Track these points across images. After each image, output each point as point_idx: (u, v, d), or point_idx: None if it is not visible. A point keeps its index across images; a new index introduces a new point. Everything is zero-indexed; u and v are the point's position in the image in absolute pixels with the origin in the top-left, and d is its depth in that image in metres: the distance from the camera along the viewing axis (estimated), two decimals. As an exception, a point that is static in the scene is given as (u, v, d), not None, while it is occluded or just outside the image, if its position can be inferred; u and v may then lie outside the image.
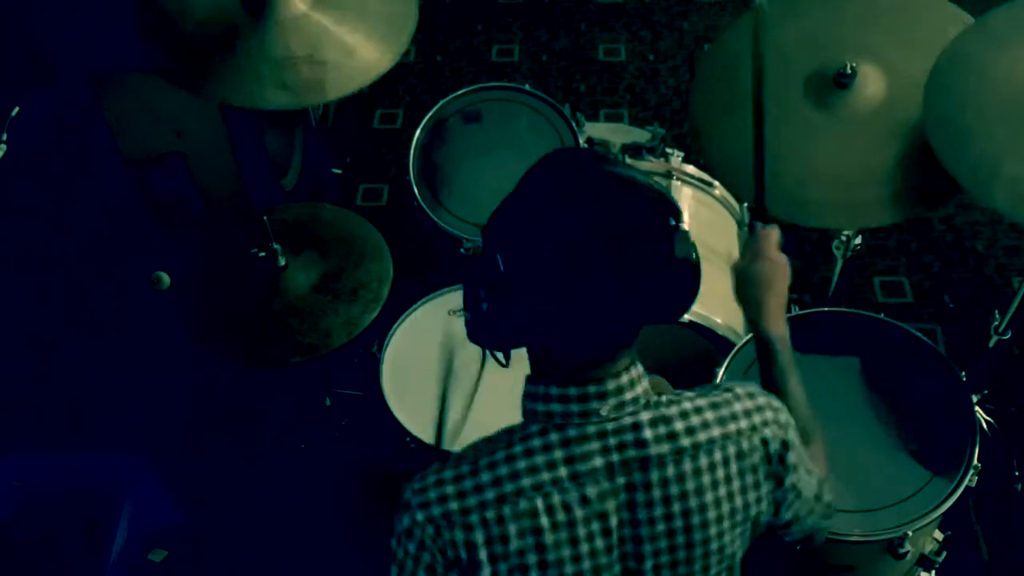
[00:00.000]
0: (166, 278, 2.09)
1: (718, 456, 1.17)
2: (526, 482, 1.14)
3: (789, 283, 1.52)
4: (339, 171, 3.49)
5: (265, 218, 2.18)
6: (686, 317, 2.26)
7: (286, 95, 2.10)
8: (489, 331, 1.16)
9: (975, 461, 1.86)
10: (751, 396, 1.22)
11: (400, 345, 2.27)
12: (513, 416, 1.22)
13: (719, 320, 2.33)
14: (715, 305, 2.37)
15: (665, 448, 1.15)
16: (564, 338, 1.13)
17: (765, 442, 1.20)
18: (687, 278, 1.14)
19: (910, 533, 1.82)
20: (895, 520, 1.82)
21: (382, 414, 2.14)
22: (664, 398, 1.19)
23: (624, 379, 1.15)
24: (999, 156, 1.78)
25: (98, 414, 2.71)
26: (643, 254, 1.09)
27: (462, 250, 2.48)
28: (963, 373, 2.00)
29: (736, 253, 2.58)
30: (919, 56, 1.96)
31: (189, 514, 2.54)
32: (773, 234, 1.54)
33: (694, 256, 1.13)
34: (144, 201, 3.04)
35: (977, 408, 2.01)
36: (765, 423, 1.20)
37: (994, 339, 2.39)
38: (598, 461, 1.15)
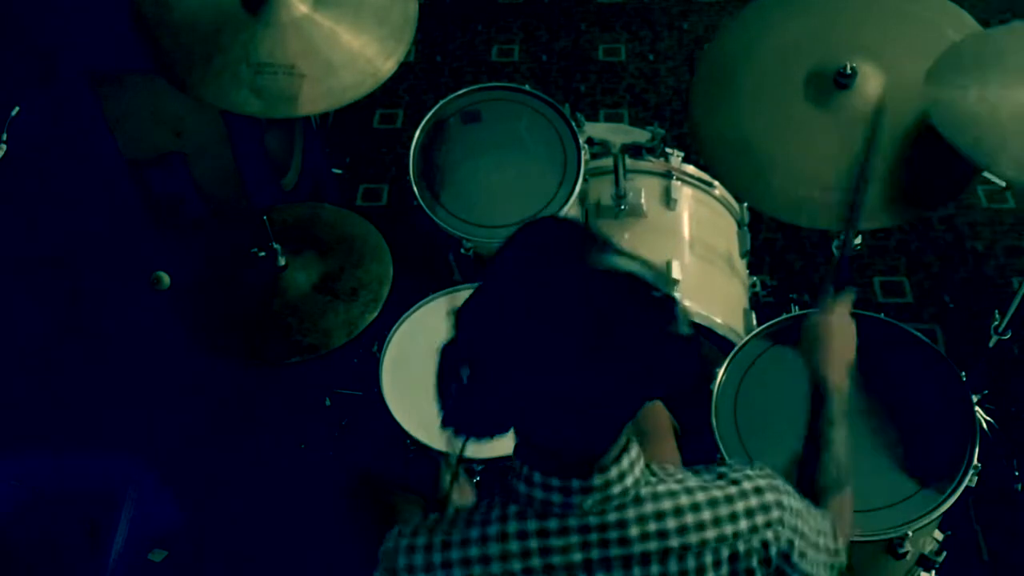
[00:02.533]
0: (166, 278, 2.08)
1: (709, 559, 1.10)
2: (495, 569, 1.09)
3: (855, 348, 1.53)
4: (339, 171, 3.49)
5: (265, 218, 2.18)
6: (686, 317, 2.26)
7: (258, 102, 2.05)
8: (466, 417, 1.11)
9: (975, 461, 1.86)
10: (759, 493, 1.14)
11: (400, 345, 2.26)
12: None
13: (719, 320, 2.33)
14: (715, 305, 2.37)
15: (652, 546, 1.09)
16: (544, 435, 1.08)
17: (765, 544, 1.13)
18: (684, 353, 1.05)
19: (910, 533, 1.82)
20: (895, 520, 1.82)
21: (382, 414, 2.14)
22: (661, 487, 1.12)
23: (613, 473, 1.09)
24: (1003, 125, 1.77)
25: (98, 414, 2.71)
26: (628, 339, 1.00)
27: (462, 250, 2.48)
28: (963, 373, 1.99)
29: (736, 253, 2.59)
30: (919, 56, 1.96)
31: (189, 514, 2.54)
32: (850, 300, 1.57)
33: (688, 329, 1.05)
34: (144, 201, 3.04)
35: (977, 408, 2.01)
36: (768, 524, 1.13)
37: (994, 339, 2.39)
38: (576, 556, 1.09)
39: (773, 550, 1.13)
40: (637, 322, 1.01)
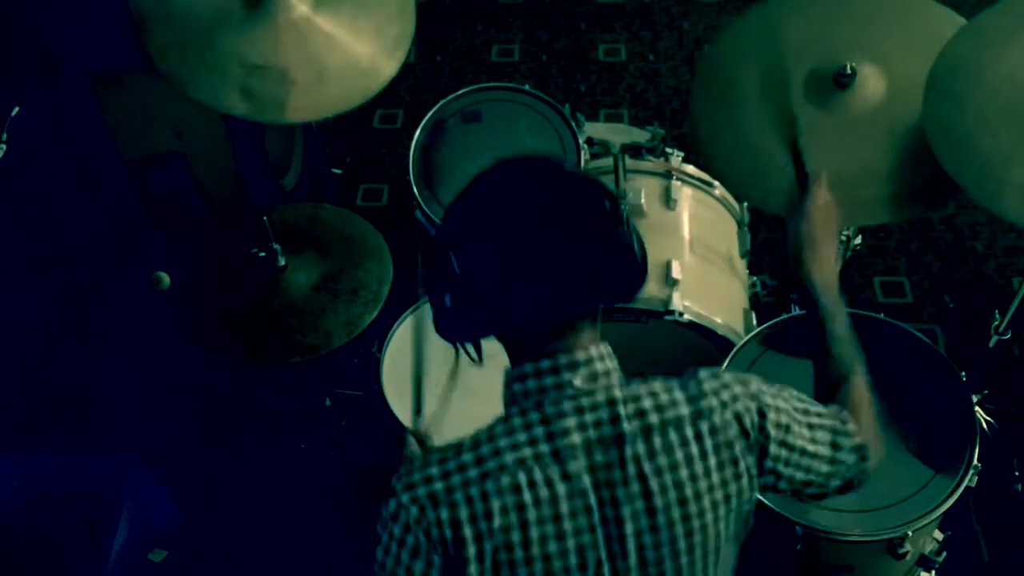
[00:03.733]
0: (166, 278, 2.08)
1: (689, 432, 1.18)
2: (508, 458, 1.15)
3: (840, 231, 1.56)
4: (339, 171, 3.49)
5: (265, 218, 2.18)
6: (686, 317, 2.26)
7: (245, 104, 2.03)
8: (454, 325, 1.20)
9: (975, 461, 1.86)
10: (716, 376, 1.24)
11: (400, 345, 2.26)
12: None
13: (719, 320, 2.33)
14: (715, 305, 2.37)
15: (635, 425, 1.17)
16: (523, 315, 1.17)
17: (738, 416, 1.21)
18: (629, 257, 1.20)
19: (910, 533, 1.82)
20: (895, 520, 1.82)
21: (382, 414, 2.14)
22: (635, 380, 1.22)
23: (593, 351, 1.19)
24: (1006, 162, 1.77)
25: (98, 414, 2.71)
26: (585, 231, 1.16)
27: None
28: (963, 373, 1.99)
29: (736, 253, 2.59)
30: (919, 56, 1.96)
31: (189, 514, 2.54)
32: (822, 186, 1.58)
33: (636, 244, 1.20)
34: (144, 201, 3.04)
35: (977, 408, 2.01)
36: (735, 398, 1.21)
37: (994, 339, 2.39)
38: (576, 438, 1.17)
39: (747, 421, 1.21)
40: (588, 219, 1.17)
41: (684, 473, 1.17)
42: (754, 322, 2.44)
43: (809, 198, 1.55)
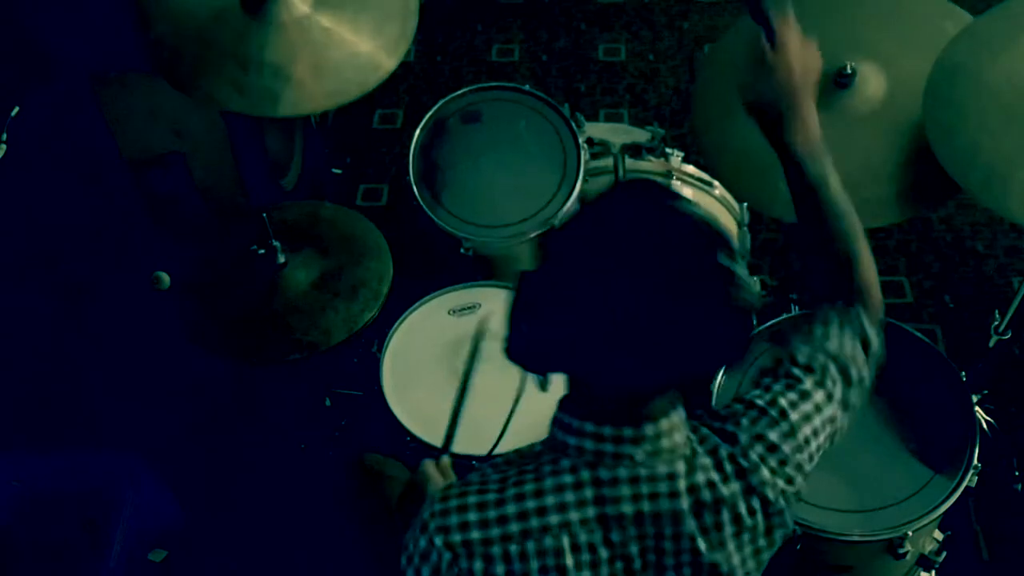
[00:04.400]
0: (166, 278, 2.08)
1: (743, 509, 1.14)
2: (554, 519, 1.10)
3: (817, 72, 1.33)
4: (339, 171, 3.49)
5: (265, 215, 2.18)
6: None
7: (239, 99, 2.05)
8: (526, 351, 1.11)
9: (975, 461, 1.86)
10: (761, 439, 1.17)
11: (400, 345, 2.27)
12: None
13: (719, 320, 2.33)
14: (715, 305, 2.37)
15: (688, 502, 1.12)
16: (601, 370, 1.08)
17: (790, 480, 1.17)
18: (738, 326, 1.08)
19: (910, 533, 1.82)
20: (895, 520, 1.82)
21: (382, 414, 2.14)
22: (701, 447, 1.15)
23: (664, 425, 1.11)
24: (1010, 165, 1.77)
25: (98, 414, 2.71)
26: (694, 295, 1.03)
27: (462, 250, 2.48)
28: (963, 373, 1.99)
29: (736, 253, 2.58)
30: (919, 55, 1.96)
31: (189, 514, 2.54)
32: (787, 21, 1.31)
33: (745, 303, 1.06)
34: (144, 201, 3.04)
35: (977, 408, 2.01)
36: (784, 463, 1.17)
37: (994, 339, 2.39)
38: (627, 508, 1.11)
39: (798, 482, 1.17)
40: (709, 274, 1.03)
41: (732, 546, 1.14)
42: (754, 322, 2.44)
43: (780, 46, 1.30)
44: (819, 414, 1.20)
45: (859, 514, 1.84)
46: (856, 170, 2.01)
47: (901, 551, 1.84)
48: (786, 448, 1.17)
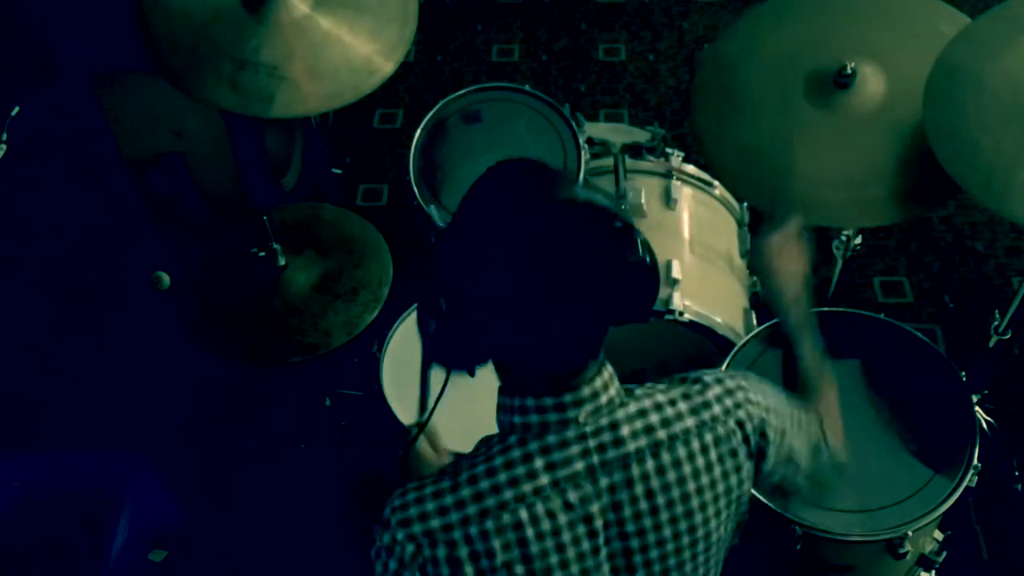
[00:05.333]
0: (166, 278, 2.09)
1: (696, 445, 1.17)
2: (508, 495, 1.13)
3: (806, 264, 1.53)
4: (339, 171, 3.49)
5: (265, 218, 2.18)
6: (686, 317, 2.26)
7: (233, 97, 2.05)
8: (442, 351, 1.17)
9: (975, 461, 1.86)
10: (719, 381, 1.22)
11: (400, 345, 2.26)
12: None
13: (719, 320, 2.33)
14: (715, 305, 2.37)
15: (643, 442, 1.16)
16: (524, 356, 1.13)
17: (741, 424, 1.20)
18: (644, 279, 1.13)
19: (910, 533, 1.82)
20: (895, 520, 1.82)
21: (382, 414, 2.14)
22: (637, 391, 1.20)
23: (598, 383, 1.15)
24: (1010, 165, 1.77)
25: (98, 414, 2.71)
26: (594, 267, 1.08)
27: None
28: (963, 373, 1.99)
29: (736, 253, 2.59)
30: (919, 55, 1.96)
31: (189, 514, 2.54)
32: (793, 225, 1.55)
33: (648, 259, 1.12)
34: (144, 201, 3.04)
35: (977, 408, 2.01)
36: (738, 405, 1.21)
37: (994, 339, 2.39)
38: (579, 465, 1.15)
39: (748, 427, 1.21)
40: (597, 250, 1.08)
41: (692, 486, 1.17)
42: (754, 322, 2.44)
43: (776, 232, 1.53)
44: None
45: (859, 514, 1.84)
46: (856, 170, 2.01)
47: (901, 551, 1.84)
48: (740, 395, 1.22)
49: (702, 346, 2.34)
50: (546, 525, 1.14)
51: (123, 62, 2.65)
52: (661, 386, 1.22)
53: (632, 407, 1.17)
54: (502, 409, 1.18)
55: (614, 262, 1.09)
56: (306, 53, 2.10)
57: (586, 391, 1.15)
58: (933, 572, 2.09)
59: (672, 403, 1.19)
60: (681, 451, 1.17)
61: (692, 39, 4.01)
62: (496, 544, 1.13)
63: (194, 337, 2.18)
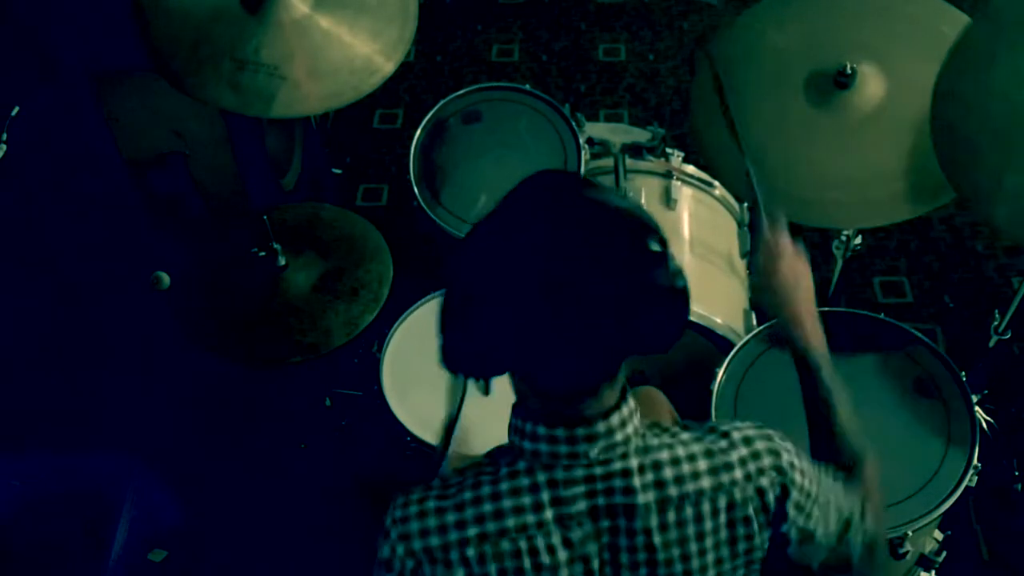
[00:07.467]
0: (166, 278, 2.09)
1: (707, 508, 1.13)
2: (510, 523, 1.12)
3: (811, 277, 1.43)
4: (339, 171, 3.49)
5: (265, 218, 2.18)
6: (686, 317, 2.26)
7: (232, 97, 2.05)
8: (461, 358, 1.13)
9: (975, 461, 1.86)
10: (748, 442, 1.17)
11: (400, 345, 2.26)
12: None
13: (719, 320, 2.33)
14: (715, 305, 2.37)
15: (651, 496, 1.12)
16: (539, 370, 1.09)
17: (761, 491, 1.15)
18: (672, 307, 1.08)
19: (910, 533, 1.82)
20: (895, 520, 1.82)
21: (382, 414, 2.14)
22: (656, 440, 1.15)
23: (614, 419, 1.11)
24: (999, 170, 1.76)
25: (98, 414, 2.71)
26: (621, 283, 1.03)
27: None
28: (963, 373, 1.99)
29: (736, 253, 2.59)
30: (919, 55, 1.96)
31: (189, 514, 2.53)
32: (782, 231, 1.45)
33: (679, 283, 1.07)
34: (144, 201, 3.04)
35: (977, 408, 2.01)
36: (761, 471, 1.15)
37: (994, 339, 2.39)
38: (583, 504, 1.12)
39: (770, 497, 1.16)
40: (621, 259, 1.03)
41: (694, 548, 1.14)
42: (754, 322, 2.44)
43: (763, 246, 1.44)
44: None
45: (859, 514, 1.84)
46: (856, 170, 2.01)
47: (901, 551, 1.84)
48: (766, 461, 1.16)
49: (702, 346, 2.34)
50: (545, 559, 1.12)
51: (123, 62, 2.64)
52: (685, 436, 1.16)
53: (648, 457, 1.13)
54: (513, 430, 1.15)
55: (637, 279, 1.04)
56: (306, 53, 2.10)
57: (601, 427, 1.11)
58: (933, 572, 2.09)
59: (691, 459, 1.14)
60: (689, 511, 1.13)
61: (692, 39, 4.02)
62: (491, 569, 1.12)
63: (194, 337, 2.18)
